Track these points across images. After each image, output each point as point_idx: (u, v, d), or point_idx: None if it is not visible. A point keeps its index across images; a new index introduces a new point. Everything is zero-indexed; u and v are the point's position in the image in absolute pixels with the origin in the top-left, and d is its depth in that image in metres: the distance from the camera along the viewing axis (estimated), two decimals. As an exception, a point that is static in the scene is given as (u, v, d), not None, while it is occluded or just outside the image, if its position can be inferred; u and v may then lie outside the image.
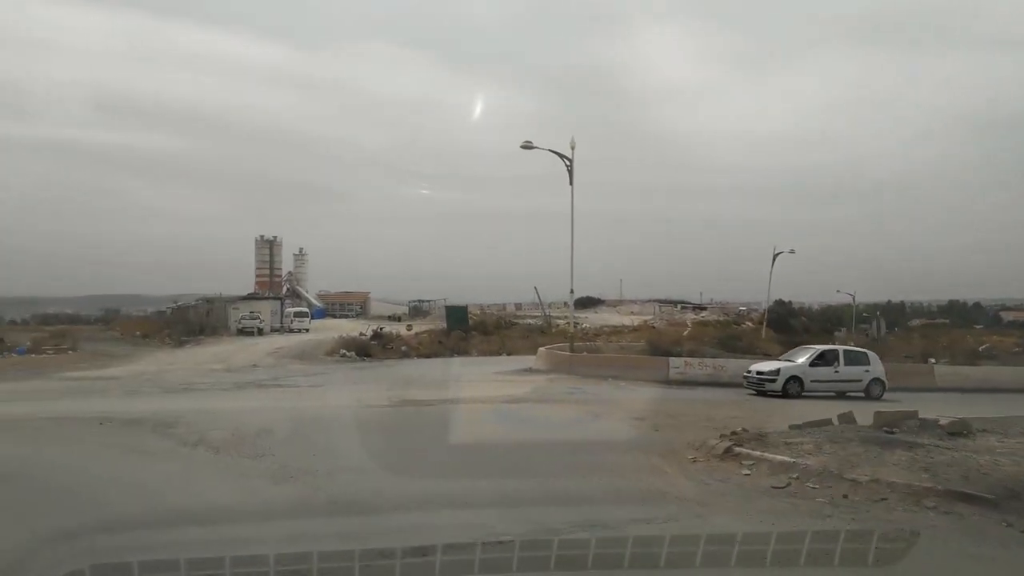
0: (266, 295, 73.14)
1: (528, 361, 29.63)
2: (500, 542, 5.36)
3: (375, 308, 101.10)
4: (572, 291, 27.17)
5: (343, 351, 35.66)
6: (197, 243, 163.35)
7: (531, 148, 26.11)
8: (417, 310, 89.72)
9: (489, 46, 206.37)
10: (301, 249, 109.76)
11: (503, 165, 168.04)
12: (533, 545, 5.33)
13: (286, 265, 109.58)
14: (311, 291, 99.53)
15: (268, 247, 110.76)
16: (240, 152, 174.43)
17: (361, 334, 41.53)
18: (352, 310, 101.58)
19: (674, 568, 4.79)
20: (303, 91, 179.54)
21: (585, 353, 25.75)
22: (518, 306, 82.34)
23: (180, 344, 43.84)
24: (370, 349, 37.38)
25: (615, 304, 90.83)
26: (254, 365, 28.21)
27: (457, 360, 33.98)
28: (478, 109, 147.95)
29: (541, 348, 28.46)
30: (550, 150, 26.38)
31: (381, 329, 44.08)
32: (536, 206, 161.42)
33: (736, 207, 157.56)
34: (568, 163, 26.30)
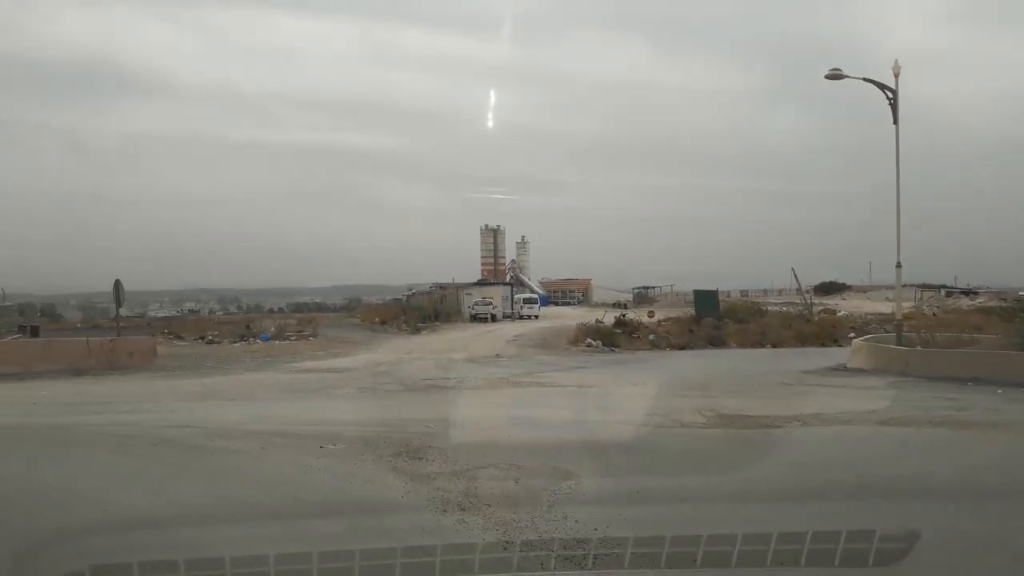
0: (496, 281, 72.16)
1: (811, 355, 23.98)
2: (500, 542, 5.36)
3: (597, 295, 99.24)
4: (899, 264, 20.68)
5: (588, 340, 31.87)
6: (429, 234, 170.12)
7: (840, 77, 20.13)
8: (642, 296, 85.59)
9: (702, 22, 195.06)
10: (523, 237, 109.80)
11: (732, 142, 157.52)
12: (533, 545, 5.24)
13: (509, 253, 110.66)
14: (533, 278, 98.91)
15: (492, 236, 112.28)
16: (464, 147, 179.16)
17: (598, 321, 37.49)
18: (574, 297, 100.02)
19: (674, 568, 4.63)
20: (521, 84, 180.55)
21: (919, 348, 19.27)
22: (764, 292, 74.72)
23: (416, 330, 42.55)
24: (616, 338, 33.36)
25: (864, 290, 79.87)
26: (497, 355, 24.87)
27: (722, 353, 28.75)
28: (698, 85, 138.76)
29: (857, 340, 22.33)
30: (866, 79, 20.16)
31: (623, 315, 39.92)
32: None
33: (994, 178, 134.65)
34: (890, 97, 19.95)
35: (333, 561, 4.67)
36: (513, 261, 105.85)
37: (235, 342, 34.50)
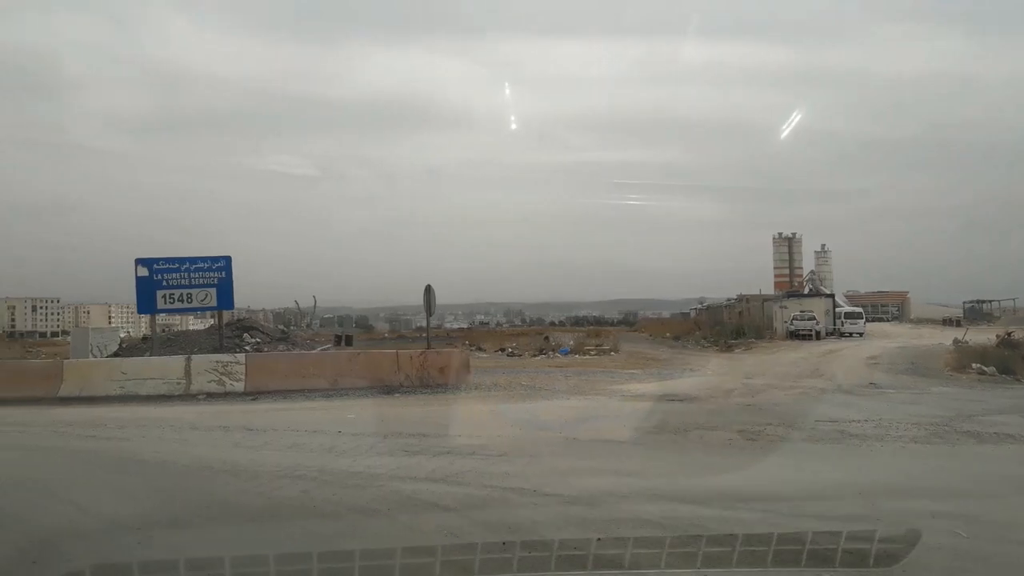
0: (813, 292, 64.84)
1: None
2: (501, 543, 5.39)
3: (916, 310, 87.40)
4: None
5: (976, 365, 24.58)
6: (709, 247, 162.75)
7: None
8: (976, 311, 73.05)
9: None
10: (823, 246, 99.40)
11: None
12: (534, 545, 5.27)
13: (806, 264, 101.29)
14: (836, 291, 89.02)
15: (787, 244, 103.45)
16: (750, 156, 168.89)
17: (954, 342, 29.61)
18: (887, 312, 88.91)
19: (674, 568, 4.68)
20: (808, 88, 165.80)
21: None
22: None
23: (727, 347, 37.47)
24: (1010, 362, 25.56)
25: None
26: (871, 384, 19.04)
27: None
28: None
29: None
30: None
31: (1009, 335, 31.47)
32: None
33: None
34: None
35: (333, 561, 4.69)
36: (812, 272, 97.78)
37: (535, 355, 32.43)
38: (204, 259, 18.26)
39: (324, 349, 21.69)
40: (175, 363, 15.78)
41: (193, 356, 15.94)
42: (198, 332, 22.48)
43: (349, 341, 43.82)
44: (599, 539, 5.40)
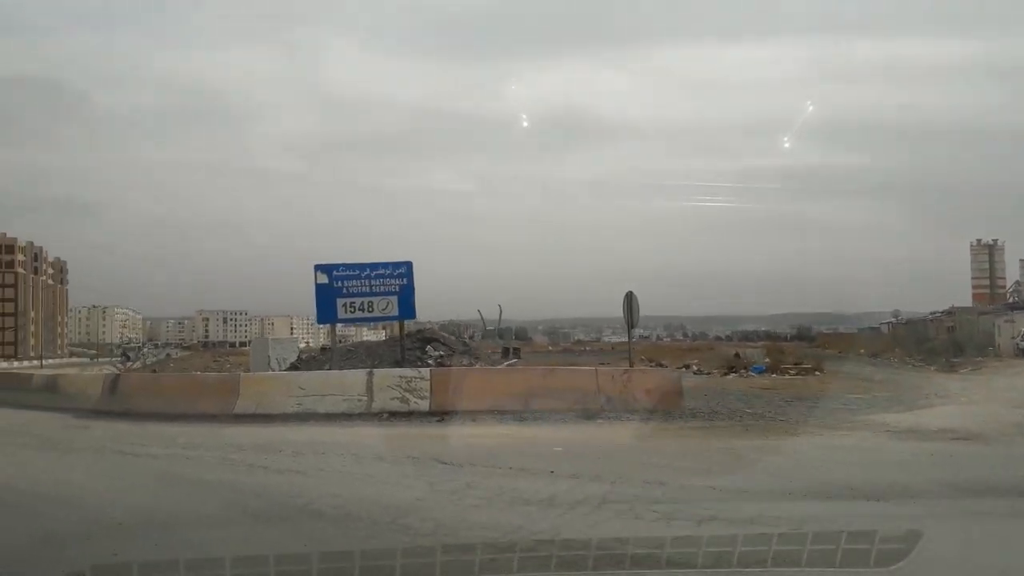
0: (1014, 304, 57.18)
1: None
2: (501, 543, 5.41)
3: None
4: None
5: None
6: (892, 256, 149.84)
7: None
8: None
9: None
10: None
11: None
12: (534, 546, 5.30)
13: (1011, 274, 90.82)
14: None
15: (987, 253, 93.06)
16: (938, 158, 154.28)
17: None
18: None
19: (675, 568, 4.66)
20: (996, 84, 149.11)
21: None
22: None
23: (950, 367, 32.43)
24: None
25: None
26: None
27: None
28: None
29: None
30: None
31: None
32: None
33: None
34: None
35: (333, 561, 4.64)
36: (1017, 283, 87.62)
37: (725, 373, 29.18)
38: (385, 264, 16.91)
39: (510, 364, 19.78)
40: (356, 378, 14.32)
41: (375, 371, 14.44)
42: (376, 343, 21.30)
43: (516, 353, 42.37)
44: (599, 539, 5.40)
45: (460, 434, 11.99)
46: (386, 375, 14.45)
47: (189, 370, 42.32)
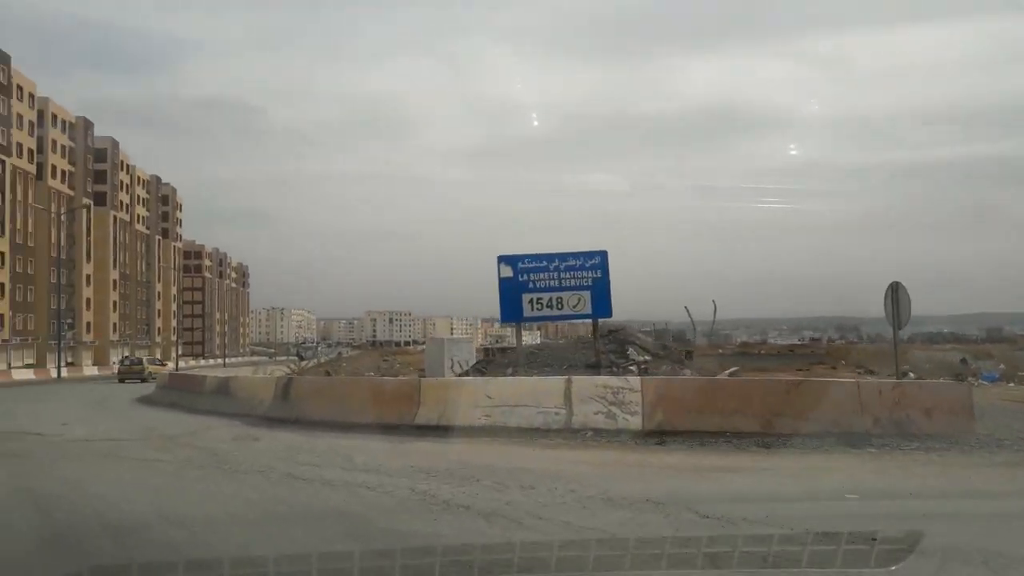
0: None
1: None
2: (501, 543, 5.35)
3: None
4: None
5: None
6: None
7: None
8: None
9: None
10: None
11: None
12: (533, 547, 5.20)
13: None
14: None
15: None
16: None
17: None
18: None
19: (675, 569, 4.58)
20: None
21: None
22: None
23: None
24: None
25: None
26: None
27: None
28: None
29: None
30: None
31: None
32: None
33: None
34: None
35: (333, 562, 4.60)
36: None
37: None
38: (576, 254, 14.61)
39: (732, 372, 16.85)
40: (552, 387, 12.03)
41: (574, 378, 12.06)
42: (563, 345, 18.96)
43: (689, 356, 38.89)
44: (598, 539, 5.39)
45: (697, 467, 9.36)
46: (586, 384, 12.06)
47: (360, 369, 42.20)
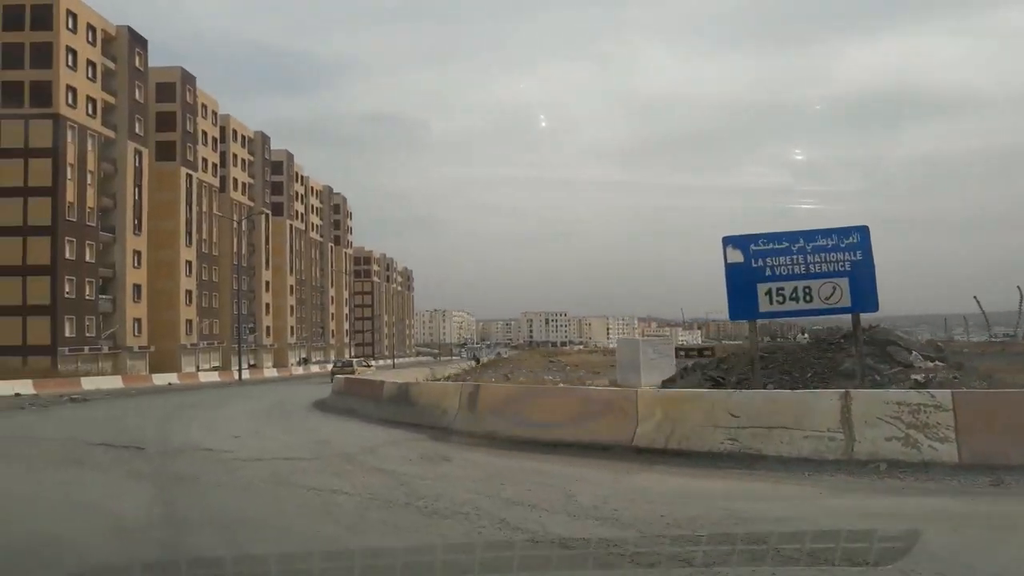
0: None
1: None
2: (501, 542, 5.28)
3: None
4: None
5: None
6: None
7: None
8: None
9: None
10: None
11: None
12: (533, 546, 5.16)
13: None
14: None
15: None
16: None
17: None
18: None
19: (675, 568, 4.64)
20: None
21: None
22: None
23: None
24: None
25: None
26: None
27: None
28: None
29: None
30: None
31: None
32: None
33: None
34: None
35: (333, 561, 4.52)
36: None
37: None
38: (827, 232, 11.57)
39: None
40: (822, 404, 9.11)
41: (853, 392, 9.10)
42: (800, 347, 15.74)
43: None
44: (598, 538, 5.30)
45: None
46: (871, 400, 9.06)
47: (523, 371, 40.42)
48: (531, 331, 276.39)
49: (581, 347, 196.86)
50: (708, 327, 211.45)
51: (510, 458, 10.27)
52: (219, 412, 20.55)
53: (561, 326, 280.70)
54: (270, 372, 67.53)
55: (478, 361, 62.93)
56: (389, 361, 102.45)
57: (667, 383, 15.51)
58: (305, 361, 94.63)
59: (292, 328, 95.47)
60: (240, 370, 52.37)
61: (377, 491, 8.13)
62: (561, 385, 17.98)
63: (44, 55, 53.25)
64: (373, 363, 66.28)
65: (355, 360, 63.07)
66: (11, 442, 13.58)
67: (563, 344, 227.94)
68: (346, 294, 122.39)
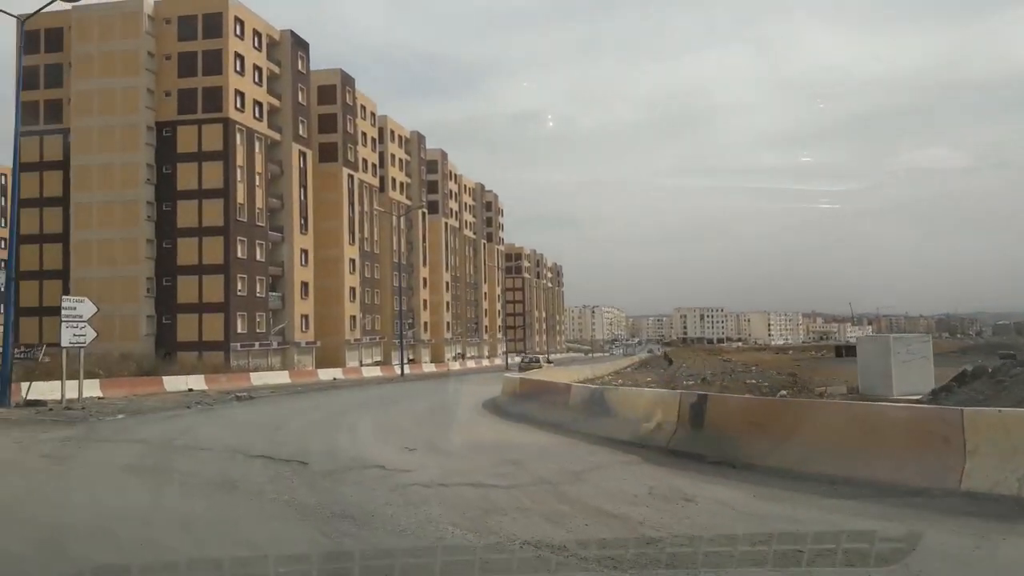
0: None
1: None
2: (501, 543, 5.28)
3: None
4: None
5: None
6: None
7: None
8: None
9: None
10: None
11: None
12: (534, 546, 5.14)
13: None
14: None
15: None
16: None
17: None
18: None
19: (675, 569, 4.64)
20: None
21: None
22: None
23: None
24: None
25: None
26: None
27: None
28: None
29: None
30: None
31: None
32: None
33: None
34: None
35: (333, 562, 4.52)
36: None
37: None
38: None
39: None
40: None
41: None
42: None
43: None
44: (598, 539, 5.42)
45: None
46: None
47: (707, 372, 36.99)
48: (685, 327, 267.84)
49: (739, 344, 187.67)
50: (879, 322, 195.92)
51: (779, 501, 7.50)
52: (386, 415, 19.00)
53: (717, 322, 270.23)
54: (428, 367, 67.54)
55: (670, 361, 58.15)
56: (551, 357, 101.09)
57: (941, 393, 12.05)
58: (461, 356, 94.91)
59: (448, 324, 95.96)
60: (402, 365, 52.13)
61: (618, 553, 5.64)
62: (829, 399, 14.24)
63: (215, 61, 55.32)
64: (552, 359, 66.12)
65: (540, 356, 66.36)
66: (169, 452, 12.26)
67: (719, 341, 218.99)
68: (498, 290, 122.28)
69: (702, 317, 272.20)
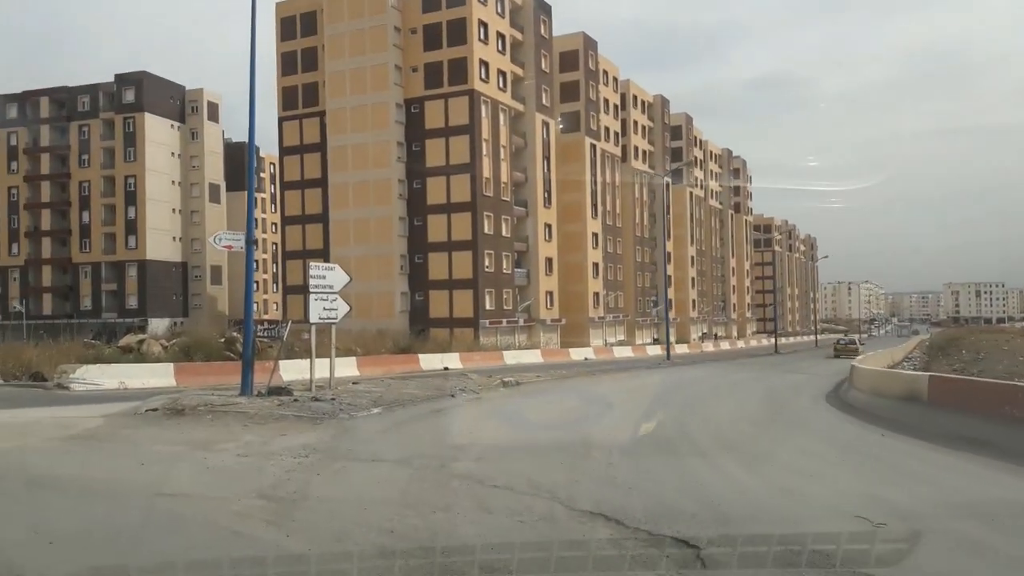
0: None
1: None
2: (500, 543, 5.14)
3: None
4: None
5: None
6: None
7: None
8: None
9: None
10: None
11: None
12: (534, 547, 5.07)
13: None
14: None
15: None
16: None
17: None
18: None
19: (675, 569, 4.51)
20: None
21: None
22: None
23: None
24: None
25: None
26: None
27: None
28: None
29: None
30: None
31: None
32: None
33: None
34: None
35: (332, 562, 4.52)
36: None
37: None
38: None
39: None
40: None
41: None
42: None
43: None
44: (598, 539, 5.20)
45: None
46: None
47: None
48: (956, 304, 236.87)
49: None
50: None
51: None
52: (712, 416, 14.43)
53: (997, 299, 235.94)
54: (681, 348, 62.31)
55: None
56: (796, 339, 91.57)
57: None
58: (712, 336, 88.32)
59: (694, 302, 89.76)
60: (667, 347, 47.51)
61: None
62: None
63: (459, 31, 53.80)
64: (857, 340, 58.54)
65: (856, 338, 60.20)
66: (443, 492, 7.56)
67: (999, 321, 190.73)
68: (747, 265, 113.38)
69: (978, 294, 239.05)
